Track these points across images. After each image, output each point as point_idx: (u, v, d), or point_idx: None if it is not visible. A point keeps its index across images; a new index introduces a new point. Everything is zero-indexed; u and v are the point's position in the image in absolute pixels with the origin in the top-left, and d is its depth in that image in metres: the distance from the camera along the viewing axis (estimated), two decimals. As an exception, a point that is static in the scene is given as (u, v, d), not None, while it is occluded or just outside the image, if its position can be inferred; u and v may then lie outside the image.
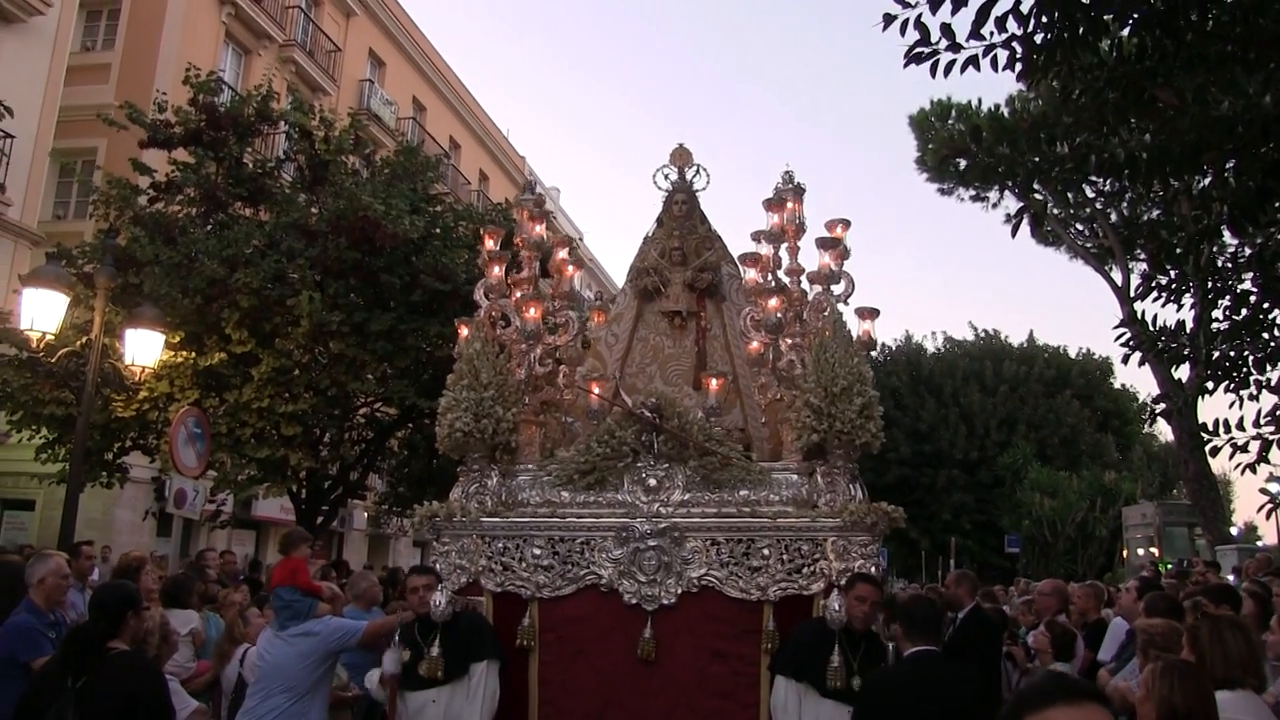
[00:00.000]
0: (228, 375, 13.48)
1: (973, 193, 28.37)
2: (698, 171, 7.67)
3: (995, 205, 28.50)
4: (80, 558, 8.62)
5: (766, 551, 6.14)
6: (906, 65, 7.29)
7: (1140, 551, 24.08)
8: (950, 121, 26.55)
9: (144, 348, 11.52)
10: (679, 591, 6.16)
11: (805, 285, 6.90)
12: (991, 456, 35.49)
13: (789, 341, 6.62)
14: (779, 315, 6.55)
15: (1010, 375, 37.75)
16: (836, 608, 5.63)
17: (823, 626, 5.70)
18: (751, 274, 7.06)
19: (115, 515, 20.11)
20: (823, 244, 6.77)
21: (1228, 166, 7.67)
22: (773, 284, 6.88)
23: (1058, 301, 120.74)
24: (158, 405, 13.64)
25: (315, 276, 13.25)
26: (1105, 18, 6.95)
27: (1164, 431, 41.30)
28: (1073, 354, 40.48)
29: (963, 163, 25.49)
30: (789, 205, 7.09)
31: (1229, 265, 9.20)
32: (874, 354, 7.04)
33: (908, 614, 5.34)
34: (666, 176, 7.66)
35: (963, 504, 34.74)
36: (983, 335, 41.35)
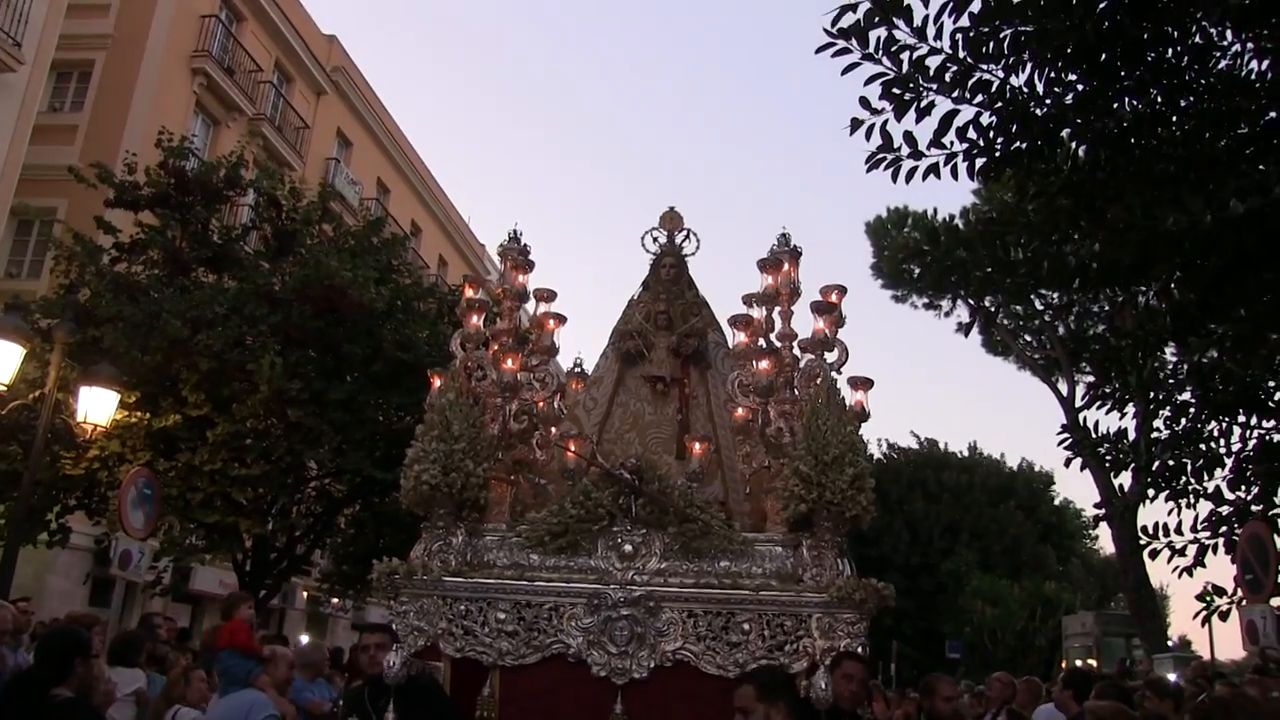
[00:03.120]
0: (182, 437, 13.34)
1: (925, 300, 28.90)
2: (687, 236, 7.46)
3: (948, 314, 29.04)
4: (19, 614, 8.44)
5: (747, 626, 5.80)
6: (870, 170, 7.55)
7: (1079, 661, 24.19)
8: (906, 230, 27.14)
9: (98, 405, 11.36)
10: (652, 665, 5.79)
11: (797, 352, 6.70)
12: (934, 563, 35.57)
13: (778, 408, 6.41)
14: (770, 378, 6.32)
15: (953, 484, 38.02)
16: (824, 686, 5.32)
17: (808, 708, 5.34)
18: (742, 337, 6.78)
19: (48, 582, 19.53)
20: (817, 309, 6.54)
21: (1173, 279, 8.00)
22: (764, 347, 6.68)
23: (999, 412, 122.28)
24: (107, 465, 13.44)
25: (276, 344, 13.21)
26: (1062, 133, 7.31)
27: (1103, 545, 41.81)
28: (1014, 464, 40.92)
29: (917, 270, 26.14)
30: (784, 267, 6.90)
31: (1169, 378, 9.49)
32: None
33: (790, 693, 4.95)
34: (655, 239, 7.44)
35: (904, 609, 34.65)
36: (925, 443, 41.73)
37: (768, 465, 6.39)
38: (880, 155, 7.33)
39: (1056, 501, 40.50)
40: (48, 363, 11.12)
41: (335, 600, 25.18)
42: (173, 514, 13.27)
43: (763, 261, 6.97)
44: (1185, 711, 6.74)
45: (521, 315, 7.77)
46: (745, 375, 6.61)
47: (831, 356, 6.52)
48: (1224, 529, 8.82)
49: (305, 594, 27.13)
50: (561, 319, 7.22)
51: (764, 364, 6.37)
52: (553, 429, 6.98)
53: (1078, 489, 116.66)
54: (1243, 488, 8.85)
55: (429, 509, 6.18)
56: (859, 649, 5.64)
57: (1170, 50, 6.86)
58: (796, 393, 6.53)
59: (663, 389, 7.17)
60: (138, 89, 22.93)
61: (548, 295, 7.29)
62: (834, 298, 6.65)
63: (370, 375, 13.76)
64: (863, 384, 6.52)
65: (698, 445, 6.35)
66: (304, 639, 18.80)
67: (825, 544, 5.86)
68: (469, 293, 7.19)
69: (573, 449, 6.40)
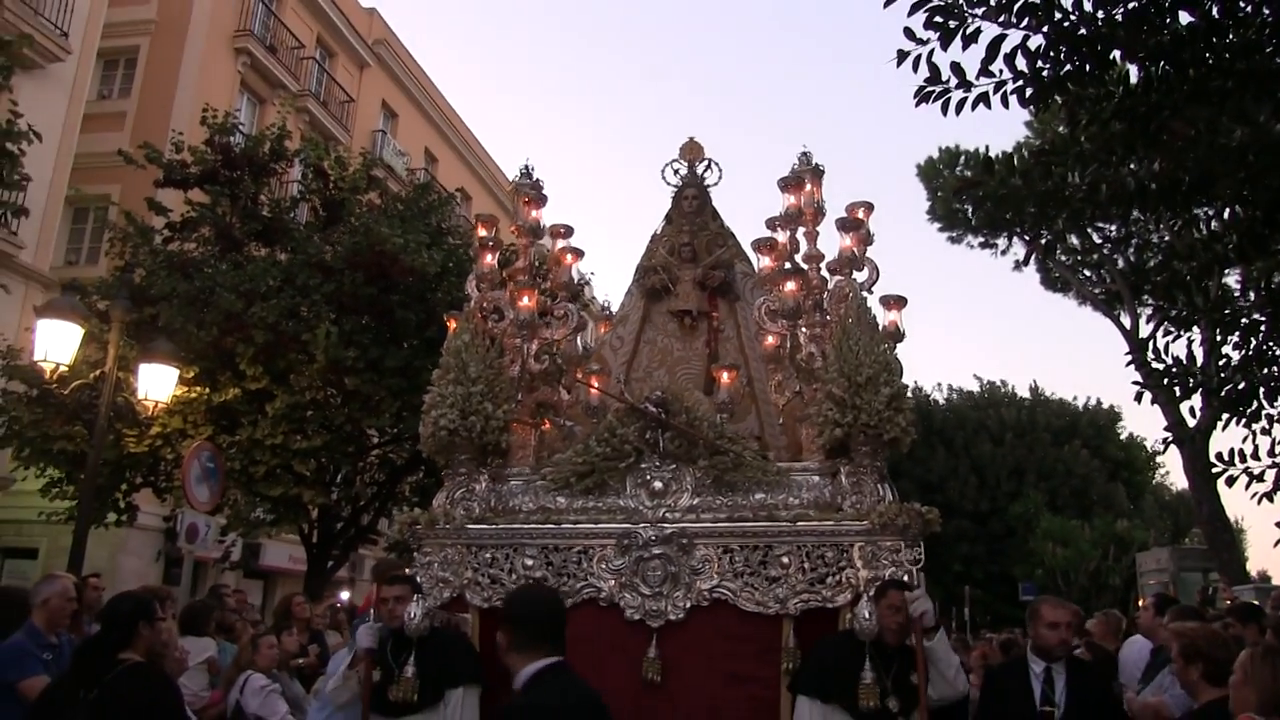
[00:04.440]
0: (242, 411, 13.47)
1: (981, 239, 28.44)
2: (709, 166, 7.17)
3: (1004, 252, 28.54)
4: (89, 589, 8.56)
5: (786, 560, 5.56)
6: (918, 104, 7.35)
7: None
8: (959, 168, 26.69)
9: (158, 382, 11.51)
10: (688, 605, 5.58)
11: (825, 274, 6.41)
12: (1002, 507, 35.22)
13: (807, 332, 6.16)
14: (797, 300, 6.08)
15: (1014, 423, 37.57)
16: (867, 616, 5.08)
17: (851, 639, 5.14)
18: (767, 261, 6.57)
19: (120, 562, 19.95)
20: (843, 225, 6.29)
21: (1238, 196, 7.73)
22: (789, 269, 6.42)
23: (1060, 352, 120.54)
24: (170, 441, 13.63)
25: (330, 314, 13.28)
26: (1113, 54, 7.07)
27: (1175, 480, 41.17)
28: (1079, 404, 40.35)
29: (970, 209, 25.72)
30: (807, 187, 6.60)
31: (1237, 299, 9.20)
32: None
33: (515, 613, 4.01)
34: (676, 171, 7.18)
35: (974, 555, 34.39)
36: (987, 386, 41.24)
37: (800, 391, 6.16)
38: (928, 89, 7.15)
39: (1124, 438, 39.89)
40: (106, 344, 11.24)
41: (407, 571, 25.44)
42: (236, 488, 13.40)
43: (784, 180, 6.66)
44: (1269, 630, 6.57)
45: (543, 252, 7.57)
46: (772, 300, 6.37)
47: (861, 276, 6.27)
48: (1302, 451, 8.55)
49: (375, 562, 27.44)
50: (579, 253, 6.98)
51: (790, 285, 6.16)
52: (575, 368, 6.72)
53: (1147, 424, 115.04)
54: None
55: (449, 455, 6.02)
56: (904, 577, 5.42)
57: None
58: (827, 315, 6.26)
59: (690, 323, 6.92)
60: (182, 72, 23.17)
61: (564, 231, 7.05)
62: (860, 213, 6.41)
63: (426, 340, 13.75)
64: (895, 303, 6.28)
65: (726, 374, 6.11)
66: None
67: (864, 469, 5.64)
68: (481, 231, 6.96)
69: (595, 385, 6.16)
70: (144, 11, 23.63)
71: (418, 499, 17.08)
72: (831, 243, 6.48)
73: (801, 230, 6.61)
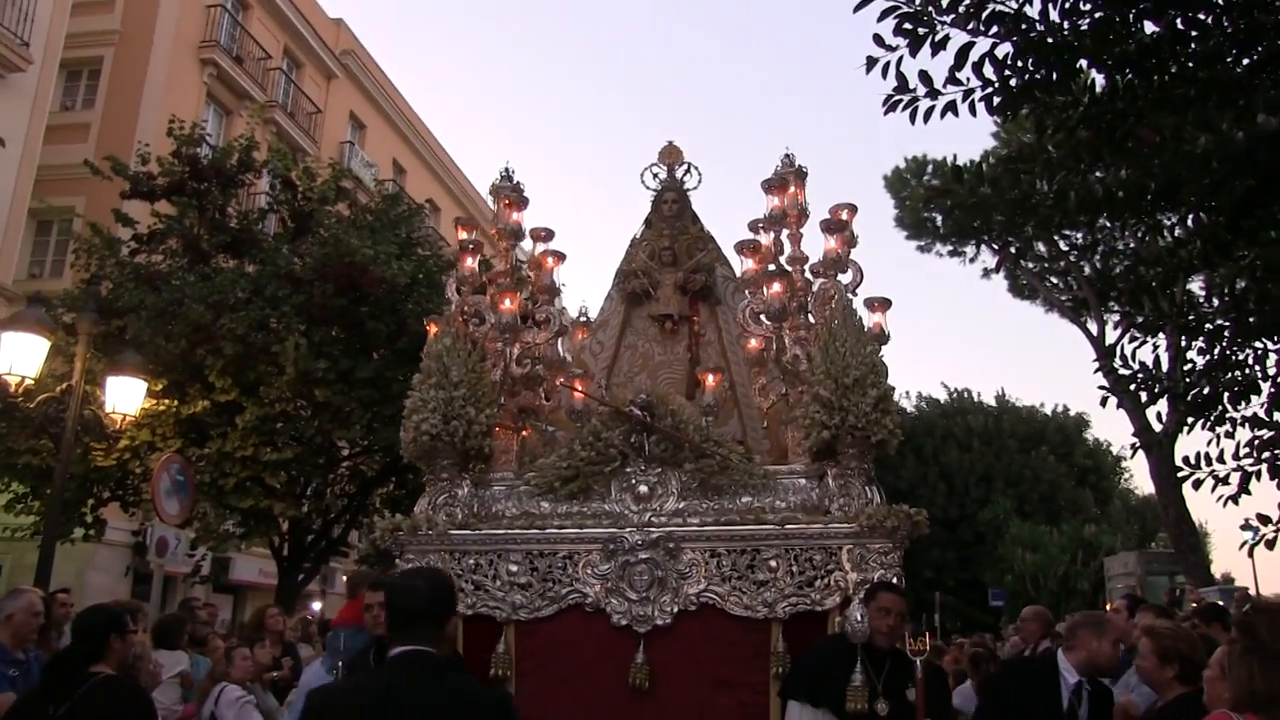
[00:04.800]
0: (211, 424, 13.38)
1: (949, 248, 28.69)
2: (688, 170, 7.16)
3: (972, 260, 28.80)
4: (57, 605, 8.45)
5: (774, 563, 5.51)
6: (887, 112, 7.42)
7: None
8: (925, 177, 26.90)
9: (126, 395, 11.38)
10: (675, 610, 5.51)
11: (809, 276, 6.40)
12: (971, 514, 35.49)
13: (792, 334, 6.13)
14: (783, 301, 6.04)
15: (982, 430, 37.86)
16: (859, 618, 5.00)
17: (841, 642, 5.07)
18: (750, 264, 6.50)
19: (88, 578, 19.71)
20: (828, 227, 6.26)
21: (1202, 202, 7.83)
22: (774, 270, 6.38)
23: (1028, 359, 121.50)
24: (138, 454, 13.51)
25: (300, 325, 13.21)
26: (1079, 63, 7.16)
27: (1140, 485, 41.57)
28: (1046, 410, 40.70)
29: (939, 218, 25.93)
30: (790, 188, 6.55)
31: (1201, 304, 9.31)
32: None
33: (390, 597, 3.62)
34: (655, 175, 7.14)
35: (944, 561, 34.57)
36: (954, 394, 41.54)
37: (785, 394, 6.13)
38: (896, 96, 7.21)
39: (1090, 444, 40.26)
40: (73, 357, 11.13)
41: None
42: (206, 501, 13.32)
43: (768, 182, 6.61)
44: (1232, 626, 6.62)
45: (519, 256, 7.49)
46: (756, 302, 6.34)
47: (845, 278, 6.25)
48: (1266, 454, 8.67)
49: (345, 577, 27.31)
50: (561, 256, 6.90)
51: (776, 287, 6.11)
52: (557, 373, 6.65)
53: (1113, 430, 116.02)
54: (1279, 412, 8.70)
55: (431, 461, 5.96)
56: (893, 579, 5.39)
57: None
58: (811, 318, 6.25)
59: (671, 327, 6.90)
60: (148, 83, 22.98)
61: (545, 234, 6.98)
62: (844, 215, 6.39)
63: (396, 351, 13.75)
64: (880, 305, 6.25)
65: (711, 377, 6.07)
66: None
67: (851, 472, 5.61)
68: (461, 235, 6.87)
69: (579, 388, 6.10)
70: (108, 21, 23.37)
71: (389, 511, 17.02)
72: (814, 246, 6.47)
73: (785, 233, 6.58)
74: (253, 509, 13.38)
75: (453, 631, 3.28)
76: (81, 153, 20.51)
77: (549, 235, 6.99)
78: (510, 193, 6.82)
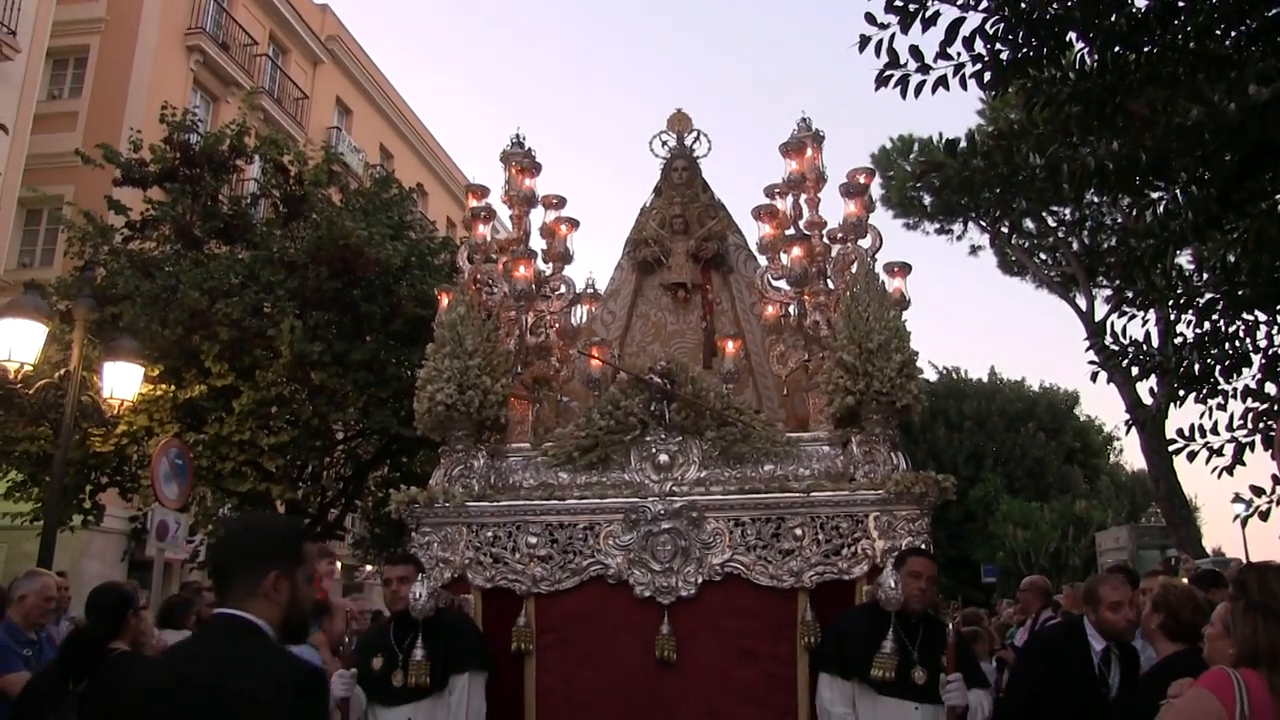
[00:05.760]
0: (208, 408, 13.40)
1: (937, 225, 28.72)
2: (698, 137, 7.07)
3: (960, 238, 28.84)
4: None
5: (799, 531, 5.43)
6: (879, 88, 7.47)
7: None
8: (913, 156, 26.91)
9: (123, 381, 11.39)
10: (699, 580, 5.43)
11: (827, 241, 6.33)
12: (961, 491, 35.65)
13: (811, 300, 6.05)
14: (804, 266, 5.95)
15: (973, 411, 37.99)
16: (893, 585, 4.90)
17: (873, 610, 5.00)
18: (768, 229, 6.40)
19: (84, 566, 19.74)
20: (847, 191, 6.18)
21: (1194, 174, 7.90)
22: (793, 235, 6.28)
23: (1017, 336, 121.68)
24: (136, 439, 13.54)
25: (294, 309, 13.23)
26: (1069, 36, 7.21)
27: (1131, 460, 41.77)
28: (1036, 387, 40.84)
29: (926, 197, 25.96)
30: (808, 152, 6.48)
31: (1192, 277, 9.39)
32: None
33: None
34: (664, 143, 7.05)
35: (935, 539, 34.40)
36: (944, 372, 41.65)
37: (806, 361, 6.05)
38: (888, 72, 7.26)
39: (1081, 419, 40.42)
40: (69, 344, 11.13)
41: (369, 567, 25.38)
42: (204, 485, 13.35)
43: (785, 146, 6.54)
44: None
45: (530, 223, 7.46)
46: (775, 268, 6.27)
47: (865, 243, 6.16)
48: (1260, 425, 8.75)
49: (339, 563, 27.38)
50: (574, 223, 6.85)
51: (796, 251, 6.02)
52: (570, 342, 6.59)
53: (1103, 407, 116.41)
54: (1272, 384, 8.79)
55: (446, 432, 5.85)
56: (922, 545, 5.31)
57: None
58: (830, 284, 6.18)
59: (684, 296, 6.82)
60: (135, 71, 22.92)
61: (557, 201, 6.92)
62: (863, 179, 6.32)
63: (391, 333, 13.78)
64: (901, 269, 6.19)
65: (730, 344, 6.00)
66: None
67: (876, 438, 5.56)
68: (472, 202, 6.76)
69: (597, 356, 6.01)
70: (94, 10, 23.33)
71: (383, 493, 17.07)
72: (831, 210, 6.40)
73: (804, 197, 6.51)
74: (250, 492, 13.39)
75: (281, 587, 2.71)
76: (69, 141, 20.47)
77: (561, 202, 6.93)
78: (522, 159, 6.73)
